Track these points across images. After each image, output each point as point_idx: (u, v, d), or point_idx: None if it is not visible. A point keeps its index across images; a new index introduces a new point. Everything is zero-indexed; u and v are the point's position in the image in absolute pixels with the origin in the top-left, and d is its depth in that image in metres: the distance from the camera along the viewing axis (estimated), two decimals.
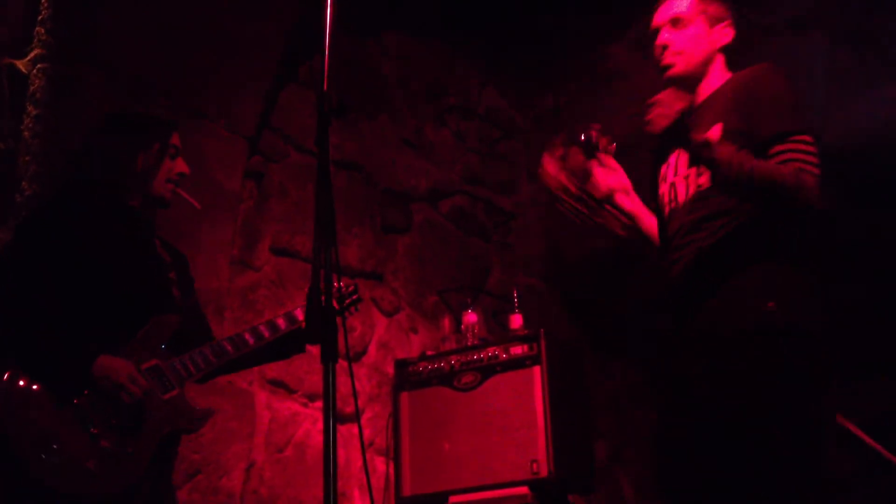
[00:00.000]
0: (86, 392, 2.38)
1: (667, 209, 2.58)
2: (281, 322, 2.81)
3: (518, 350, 3.75)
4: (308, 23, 3.91)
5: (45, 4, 3.40)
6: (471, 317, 4.21)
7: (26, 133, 3.29)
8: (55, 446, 2.31)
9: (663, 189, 2.61)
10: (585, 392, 3.98)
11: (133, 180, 2.66)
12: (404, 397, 3.96)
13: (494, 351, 3.81)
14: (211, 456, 3.60)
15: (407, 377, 4.00)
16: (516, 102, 5.65)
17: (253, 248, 4.09)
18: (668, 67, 2.63)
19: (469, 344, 4.03)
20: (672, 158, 2.60)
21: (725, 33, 2.66)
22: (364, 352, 4.49)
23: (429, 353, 4.10)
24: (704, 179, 2.46)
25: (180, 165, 2.75)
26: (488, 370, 3.79)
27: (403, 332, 4.71)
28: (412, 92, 5.14)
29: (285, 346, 2.84)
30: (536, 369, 3.67)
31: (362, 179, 4.72)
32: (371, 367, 4.48)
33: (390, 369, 4.27)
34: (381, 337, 4.59)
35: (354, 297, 3.00)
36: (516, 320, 4.16)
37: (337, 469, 1.78)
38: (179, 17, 3.67)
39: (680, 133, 2.45)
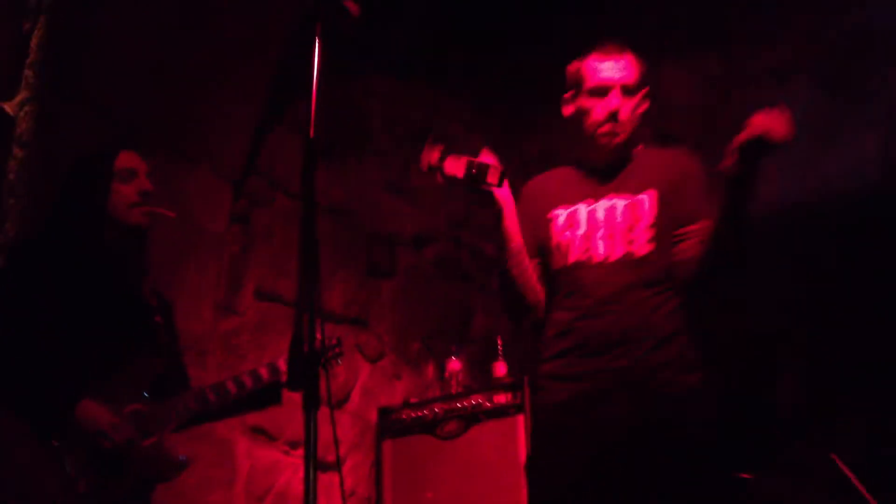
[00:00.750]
0: (65, 434, 2.36)
1: (570, 259, 2.52)
2: (264, 372, 2.78)
3: (502, 398, 3.73)
4: (294, 66, 3.93)
5: (34, 47, 3.42)
6: (455, 364, 4.19)
7: (11, 175, 3.28)
8: (29, 484, 2.29)
9: (569, 237, 2.54)
10: None
11: (97, 218, 2.63)
12: (387, 445, 3.93)
13: (478, 399, 3.79)
14: None
15: (390, 425, 3.97)
16: (500, 148, 5.67)
17: (237, 293, 4.07)
18: (613, 136, 2.55)
19: (453, 391, 4.02)
20: (580, 210, 2.55)
21: (648, 103, 2.65)
22: (347, 399, 4.45)
23: (412, 400, 4.08)
24: (637, 246, 2.47)
25: (140, 185, 2.69)
26: (472, 418, 3.77)
27: (387, 379, 4.68)
28: (398, 135, 5.16)
29: (262, 397, 2.81)
30: (520, 418, 3.66)
31: (347, 223, 4.71)
32: (354, 414, 4.43)
33: (373, 416, 4.23)
34: (365, 383, 4.56)
35: (337, 349, 2.96)
36: (500, 368, 4.14)
37: None
38: (166, 59, 3.68)
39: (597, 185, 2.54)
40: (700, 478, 2.29)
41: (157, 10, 3.62)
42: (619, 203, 2.51)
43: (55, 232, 2.65)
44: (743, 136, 2.24)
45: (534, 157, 5.45)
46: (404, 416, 3.94)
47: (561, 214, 2.56)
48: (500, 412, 3.71)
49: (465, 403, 3.81)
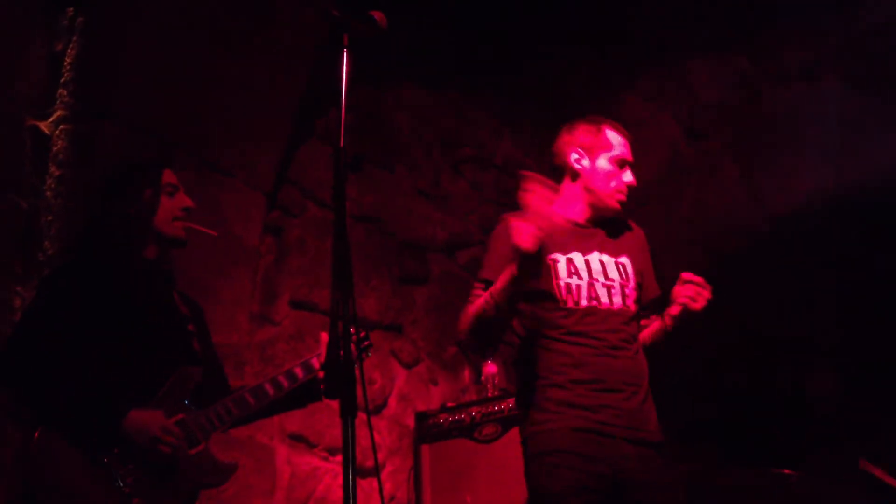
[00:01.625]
0: (115, 449, 2.38)
1: (582, 304, 2.72)
2: (298, 371, 2.81)
3: None
4: (323, 77, 3.97)
5: (68, 66, 3.47)
6: (491, 367, 4.20)
7: (48, 193, 3.33)
8: (79, 498, 2.30)
9: (577, 282, 2.75)
10: None
11: (139, 231, 2.66)
12: (425, 450, 3.94)
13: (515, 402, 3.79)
14: None
15: (427, 429, 3.98)
16: (531, 152, 5.68)
17: (272, 303, 4.10)
18: (624, 205, 2.86)
19: (489, 395, 4.02)
20: (576, 258, 2.77)
21: None
22: (384, 404, 4.47)
23: (449, 404, 4.09)
24: (630, 302, 2.76)
25: (183, 201, 2.73)
26: (509, 421, 3.77)
27: (423, 384, 4.70)
28: (428, 143, 5.18)
29: (302, 395, 2.84)
30: None
31: (379, 231, 4.74)
32: (391, 419, 4.46)
33: (411, 421, 4.25)
34: (401, 389, 4.58)
35: (366, 343, 2.99)
36: None
37: None
38: (197, 74, 3.72)
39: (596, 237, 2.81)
40: None
41: (189, 28, 3.67)
42: (608, 259, 2.80)
43: (96, 246, 2.67)
44: (675, 310, 2.71)
45: None
46: (442, 421, 3.95)
47: (560, 259, 2.77)
48: None
49: (502, 406, 3.82)
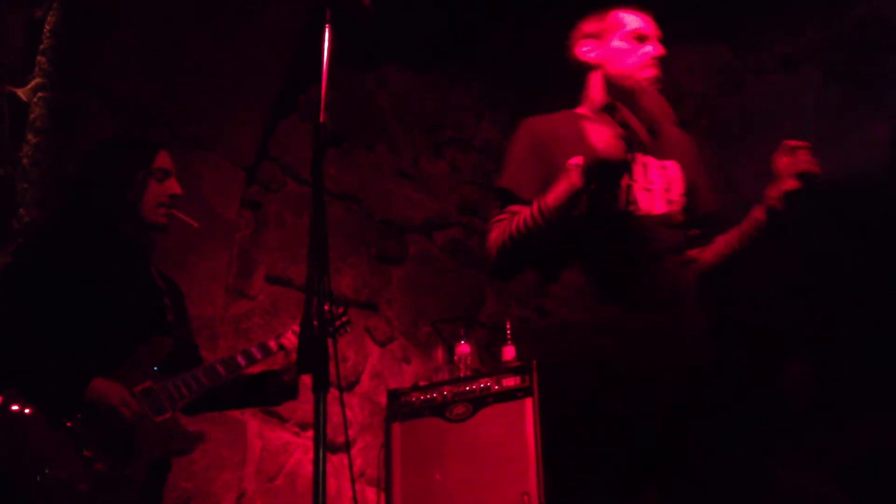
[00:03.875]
0: (79, 415, 2.38)
1: (619, 206, 2.38)
2: (272, 344, 2.83)
3: (510, 382, 3.75)
4: (307, 54, 3.95)
5: (47, 34, 3.44)
6: (464, 348, 4.21)
7: (25, 160, 3.31)
8: (47, 469, 2.30)
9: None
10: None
11: (124, 210, 2.66)
12: (396, 427, 3.96)
13: (487, 382, 3.81)
14: (202, 484, 3.60)
15: (399, 407, 3.99)
16: (511, 135, 5.68)
17: (248, 277, 4.10)
18: (657, 81, 2.52)
19: (462, 375, 4.04)
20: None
21: None
22: (357, 381, 4.49)
23: (421, 383, 4.10)
24: (676, 208, 2.44)
25: (172, 187, 2.71)
26: (480, 401, 3.79)
27: (396, 362, 4.72)
28: (409, 124, 5.18)
29: (278, 390, 2.84)
30: (528, 401, 3.67)
31: (358, 210, 4.74)
32: (363, 396, 4.48)
33: (383, 399, 4.26)
34: (374, 366, 4.60)
35: (344, 318, 2.99)
36: (509, 352, 4.16)
37: (326, 499, 1.78)
38: (179, 46, 3.70)
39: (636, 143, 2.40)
40: None
41: None
42: (650, 161, 2.45)
43: (77, 216, 2.67)
44: (796, 183, 2.33)
45: None
46: (413, 399, 3.96)
47: None
48: (508, 395, 3.73)
49: (473, 387, 3.84)
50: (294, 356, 2.79)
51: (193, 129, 3.79)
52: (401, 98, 5.15)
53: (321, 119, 2.06)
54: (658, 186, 2.43)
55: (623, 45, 2.52)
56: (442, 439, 3.81)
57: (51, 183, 3.25)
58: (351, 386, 4.43)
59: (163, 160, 2.73)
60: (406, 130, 5.16)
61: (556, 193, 2.27)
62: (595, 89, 2.56)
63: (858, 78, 4.72)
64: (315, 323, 1.86)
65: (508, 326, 4.26)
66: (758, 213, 2.42)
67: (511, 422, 3.67)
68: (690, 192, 2.48)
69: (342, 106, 4.65)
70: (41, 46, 3.44)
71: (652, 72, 2.49)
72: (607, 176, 2.23)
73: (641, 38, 2.53)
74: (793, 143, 2.38)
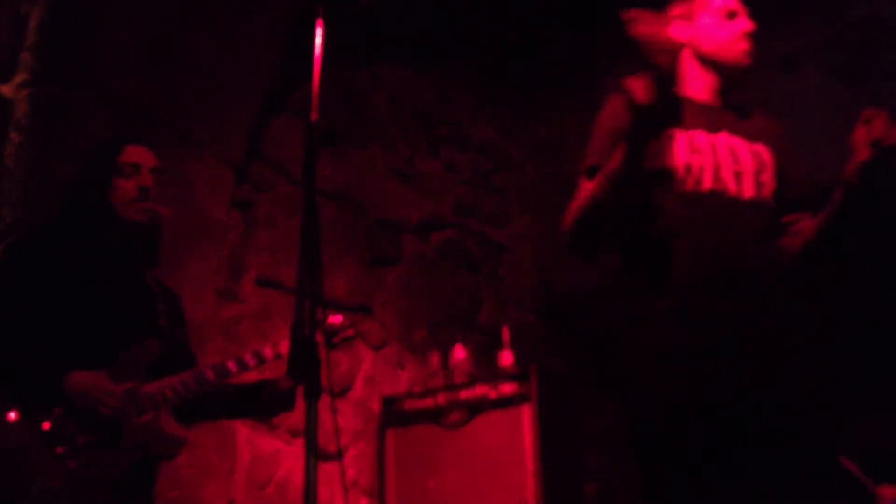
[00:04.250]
0: (56, 410, 2.33)
1: (710, 184, 2.32)
2: (267, 352, 2.74)
3: (507, 388, 3.70)
4: (300, 52, 3.90)
5: (33, 30, 3.40)
6: (460, 353, 4.16)
7: (8, 160, 3.28)
8: (18, 464, 2.27)
9: (700, 161, 2.34)
10: (575, 430, 3.92)
11: (106, 211, 2.61)
12: (390, 434, 3.91)
13: (483, 389, 3.76)
14: (190, 493, 3.54)
15: (393, 414, 3.94)
16: (510, 134, 5.65)
17: (238, 279, 4.05)
18: (750, 55, 2.48)
19: (457, 381, 3.98)
20: (698, 136, 2.37)
21: None
22: (350, 387, 4.42)
23: (416, 389, 4.05)
24: (766, 192, 2.37)
25: (142, 180, 2.63)
26: (477, 408, 3.74)
27: (391, 367, 4.65)
28: (404, 122, 5.13)
29: (275, 401, 2.75)
30: (526, 408, 3.62)
31: (352, 210, 4.68)
32: (357, 402, 4.41)
33: (377, 405, 4.21)
34: (368, 371, 4.53)
35: (350, 332, 2.88)
36: (506, 357, 4.11)
37: None
38: (168, 43, 3.66)
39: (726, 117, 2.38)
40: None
41: None
42: (740, 143, 2.40)
43: (63, 219, 2.64)
44: (871, 153, 2.25)
45: (542, 142, 5.42)
46: (408, 406, 3.91)
47: (679, 135, 2.35)
48: (505, 402, 3.67)
49: (469, 393, 3.78)
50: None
51: (183, 127, 3.75)
52: (396, 95, 5.10)
53: (314, 117, 2.02)
54: (748, 169, 2.36)
55: (712, 22, 2.49)
56: (437, 447, 3.76)
57: (35, 181, 3.21)
58: (344, 392, 4.36)
59: (131, 154, 2.65)
60: (402, 129, 5.11)
61: (615, 158, 2.23)
62: (692, 72, 2.52)
63: (858, 78, 4.69)
64: (307, 328, 1.81)
65: (506, 332, 4.20)
66: (836, 195, 2.32)
67: (508, 429, 3.63)
68: (781, 177, 2.41)
69: (336, 103, 4.60)
70: (26, 42, 3.40)
71: (744, 45, 2.47)
72: (641, 123, 2.17)
73: (731, 15, 2.51)
74: (870, 111, 2.29)
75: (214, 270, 3.85)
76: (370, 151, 4.88)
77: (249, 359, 2.68)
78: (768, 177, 2.38)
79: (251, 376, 2.73)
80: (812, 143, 4.75)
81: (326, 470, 3.94)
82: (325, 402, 1.83)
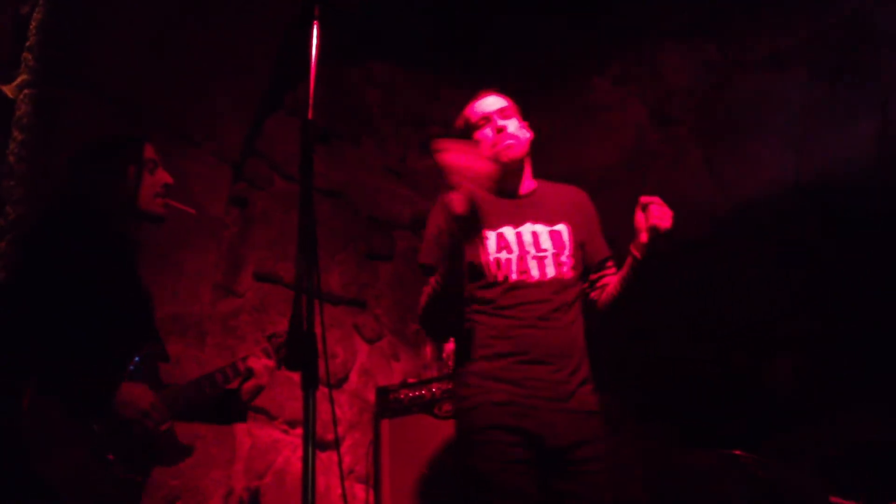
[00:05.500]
0: (102, 419, 2.38)
1: (512, 277, 2.75)
2: (240, 365, 2.76)
3: None
4: (294, 50, 3.94)
5: (33, 30, 3.42)
6: (453, 345, 4.21)
7: (11, 157, 3.29)
8: (74, 469, 2.31)
9: (506, 257, 2.78)
10: None
11: (119, 206, 2.63)
12: (385, 424, 3.96)
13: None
14: (190, 482, 3.58)
15: (388, 404, 3.99)
16: None
17: (236, 274, 4.09)
18: (508, 148, 2.86)
19: (451, 372, 4.03)
20: (506, 232, 2.81)
21: (531, 133, 2.98)
22: (346, 378, 4.48)
23: (410, 380, 4.10)
24: (565, 270, 2.79)
25: (163, 176, 2.70)
26: None
27: (385, 359, 4.71)
28: (397, 120, 5.17)
29: (230, 410, 2.80)
30: None
31: (346, 207, 4.73)
32: (352, 393, 4.47)
33: (372, 396, 4.26)
34: (363, 364, 4.59)
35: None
36: None
37: (315, 497, 1.78)
38: (166, 42, 3.67)
39: (518, 212, 2.82)
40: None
41: None
42: (541, 229, 2.83)
43: (78, 214, 2.63)
44: (648, 236, 2.66)
45: (531, 140, 5.47)
46: (402, 396, 3.97)
47: (490, 236, 2.80)
48: None
49: None
50: (257, 380, 2.76)
51: (180, 125, 3.77)
52: (388, 94, 5.13)
53: (309, 116, 2.06)
54: (548, 252, 2.79)
55: (488, 136, 2.89)
56: (431, 436, 3.81)
57: (38, 179, 3.23)
58: (340, 383, 4.43)
59: (150, 151, 2.72)
60: (394, 126, 5.15)
61: (443, 262, 2.64)
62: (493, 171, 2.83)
63: (844, 74, 4.73)
64: (304, 321, 1.86)
65: None
66: (629, 260, 2.76)
67: None
68: (582, 247, 2.87)
69: (329, 101, 4.63)
70: (27, 43, 3.42)
71: (509, 151, 2.87)
72: (460, 229, 2.55)
73: (486, 121, 2.92)
74: (645, 199, 2.69)
75: (213, 266, 3.90)
76: (363, 149, 4.92)
77: (230, 372, 2.74)
78: (569, 254, 2.82)
79: None
80: (797, 141, 4.84)
81: (323, 459, 4.02)
82: (321, 393, 1.89)
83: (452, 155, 2.51)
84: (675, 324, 5.41)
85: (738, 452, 3.73)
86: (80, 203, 2.65)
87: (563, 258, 2.80)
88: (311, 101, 2.07)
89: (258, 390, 2.79)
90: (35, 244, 2.60)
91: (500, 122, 2.89)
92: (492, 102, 2.96)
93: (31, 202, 3.21)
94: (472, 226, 2.54)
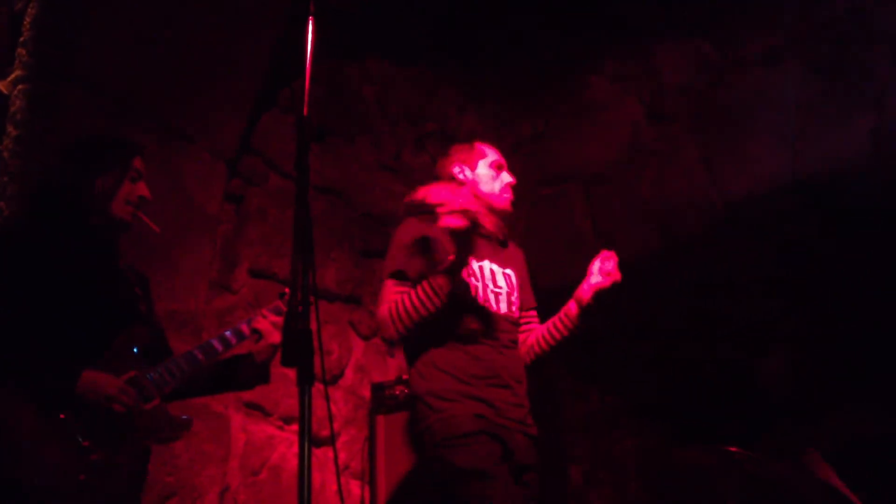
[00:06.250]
0: (71, 406, 2.37)
1: (482, 301, 2.94)
2: (244, 328, 2.82)
3: None
4: (290, 47, 3.93)
5: (27, 26, 3.42)
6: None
7: (5, 153, 3.29)
8: (40, 460, 2.30)
9: (475, 283, 2.96)
10: (558, 415, 4.00)
11: (92, 202, 2.64)
12: (380, 420, 3.97)
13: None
14: (185, 479, 3.59)
15: (383, 400, 4.00)
16: (495, 129, 5.70)
17: (231, 271, 4.09)
18: (508, 201, 3.14)
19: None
20: (482, 266, 3.00)
21: None
22: (341, 375, 4.49)
23: (405, 376, 4.10)
24: (514, 309, 3.02)
25: (141, 189, 2.72)
26: None
27: (380, 356, 4.72)
28: (392, 116, 5.17)
29: (251, 375, 2.83)
30: None
31: (341, 203, 4.73)
32: (347, 390, 4.48)
33: (367, 392, 4.27)
34: (359, 360, 4.60)
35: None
36: None
37: (311, 493, 1.79)
38: (162, 38, 3.68)
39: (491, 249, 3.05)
40: None
41: None
42: (497, 269, 3.04)
43: (48, 204, 2.65)
44: (602, 286, 2.90)
45: (526, 137, 5.48)
46: (397, 393, 3.97)
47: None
48: None
49: None
50: (266, 339, 2.80)
51: (175, 121, 3.78)
52: (383, 91, 5.13)
53: (305, 113, 2.06)
54: (503, 290, 3.01)
55: (488, 173, 3.15)
56: None
57: (32, 175, 3.22)
58: (335, 379, 4.43)
59: (139, 163, 2.74)
60: (390, 123, 5.15)
61: (440, 278, 2.78)
62: (465, 200, 2.97)
63: (839, 70, 4.74)
64: (299, 317, 1.86)
65: None
66: (571, 307, 2.99)
67: None
68: (522, 291, 3.10)
69: (325, 99, 4.63)
70: (21, 38, 3.42)
71: (510, 196, 3.16)
72: (461, 244, 2.76)
73: (500, 167, 3.18)
74: (605, 252, 2.93)
75: (208, 262, 3.90)
76: (358, 146, 4.92)
77: (231, 337, 2.77)
78: (516, 295, 3.05)
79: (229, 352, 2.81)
80: (793, 138, 4.84)
81: (318, 455, 4.02)
82: (317, 389, 1.90)
83: (438, 190, 2.76)
84: (673, 322, 5.43)
85: (734, 449, 3.74)
86: (59, 195, 2.65)
87: (513, 298, 3.03)
88: (306, 98, 2.07)
89: (273, 350, 2.82)
90: (4, 234, 2.62)
91: (509, 177, 3.16)
92: (498, 151, 3.22)
93: (25, 198, 3.20)
94: (470, 242, 2.76)
